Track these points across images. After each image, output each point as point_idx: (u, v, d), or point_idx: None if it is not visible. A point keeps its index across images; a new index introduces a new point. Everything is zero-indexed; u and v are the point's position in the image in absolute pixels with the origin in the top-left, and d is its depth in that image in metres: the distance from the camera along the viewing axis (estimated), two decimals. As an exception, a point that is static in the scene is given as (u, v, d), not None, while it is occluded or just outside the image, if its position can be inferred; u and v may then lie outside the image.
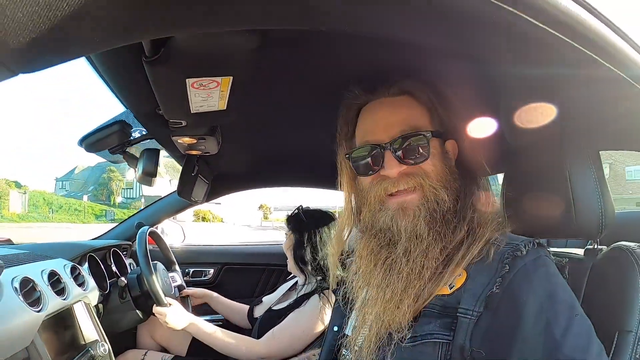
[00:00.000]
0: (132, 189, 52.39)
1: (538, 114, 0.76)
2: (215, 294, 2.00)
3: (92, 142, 1.13)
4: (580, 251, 0.95)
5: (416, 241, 0.71)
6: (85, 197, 50.42)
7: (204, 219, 43.97)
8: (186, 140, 1.07)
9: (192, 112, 0.83)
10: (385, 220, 0.75)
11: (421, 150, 0.75)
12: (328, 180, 0.92)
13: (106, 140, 1.13)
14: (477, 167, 0.83)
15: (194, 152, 1.21)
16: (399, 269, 0.71)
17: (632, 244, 0.84)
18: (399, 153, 0.75)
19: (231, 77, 0.71)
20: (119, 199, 52.13)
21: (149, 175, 1.11)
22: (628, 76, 0.59)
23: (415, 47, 0.68)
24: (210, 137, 1.04)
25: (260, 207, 56.60)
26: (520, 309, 0.61)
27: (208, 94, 0.76)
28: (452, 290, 0.68)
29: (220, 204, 46.69)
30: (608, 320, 0.74)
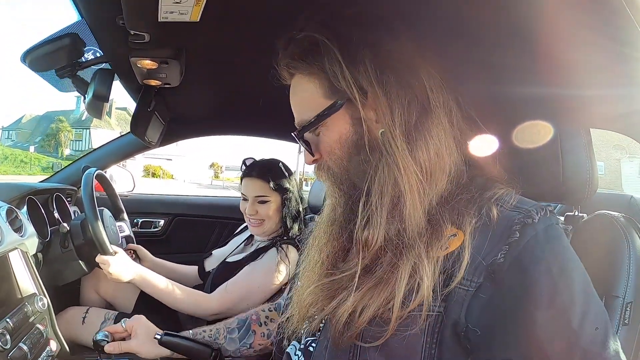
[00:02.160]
0: (81, 140, 49.54)
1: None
2: (158, 260, 1.81)
3: (37, 57, 0.93)
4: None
5: None
6: (32, 148, 47.42)
7: (154, 174, 42.66)
8: (146, 63, 0.93)
9: (159, 19, 0.70)
10: None
11: None
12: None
13: (54, 56, 0.93)
14: None
15: (152, 82, 1.07)
16: None
17: (615, 213, 0.83)
18: None
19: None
20: (67, 151, 49.09)
21: (99, 99, 0.95)
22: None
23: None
24: (173, 62, 0.91)
25: (212, 165, 55.29)
26: (531, 287, 0.52)
27: (181, -5, 0.63)
28: (446, 251, 0.57)
29: (171, 159, 45.60)
30: (594, 285, 0.72)
